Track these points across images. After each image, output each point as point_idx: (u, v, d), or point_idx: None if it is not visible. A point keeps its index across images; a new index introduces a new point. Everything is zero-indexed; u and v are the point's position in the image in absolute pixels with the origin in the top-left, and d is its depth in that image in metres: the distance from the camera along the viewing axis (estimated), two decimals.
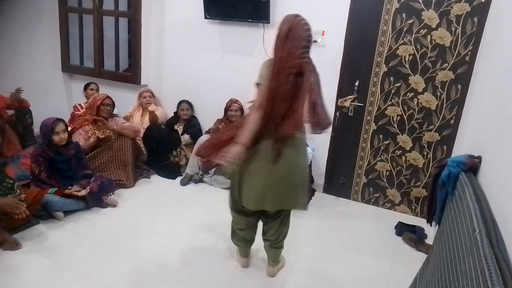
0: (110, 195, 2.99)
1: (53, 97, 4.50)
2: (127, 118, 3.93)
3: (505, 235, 1.15)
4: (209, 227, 2.80)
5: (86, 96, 3.91)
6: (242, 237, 2.25)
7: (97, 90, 3.94)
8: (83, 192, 2.75)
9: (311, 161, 3.33)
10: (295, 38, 1.80)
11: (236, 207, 2.13)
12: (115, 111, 3.76)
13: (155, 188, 3.40)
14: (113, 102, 3.55)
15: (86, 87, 3.96)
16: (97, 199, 2.89)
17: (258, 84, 1.87)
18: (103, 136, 3.33)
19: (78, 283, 2.07)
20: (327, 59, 3.29)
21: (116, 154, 3.35)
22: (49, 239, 2.46)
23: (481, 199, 1.42)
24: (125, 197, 3.14)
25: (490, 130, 1.81)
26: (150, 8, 3.93)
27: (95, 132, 3.38)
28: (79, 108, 3.64)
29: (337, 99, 3.31)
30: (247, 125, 1.85)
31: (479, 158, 1.80)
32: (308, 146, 3.33)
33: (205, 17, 3.62)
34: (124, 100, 4.12)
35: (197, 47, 3.86)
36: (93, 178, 2.92)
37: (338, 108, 3.32)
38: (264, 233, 2.22)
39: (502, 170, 1.39)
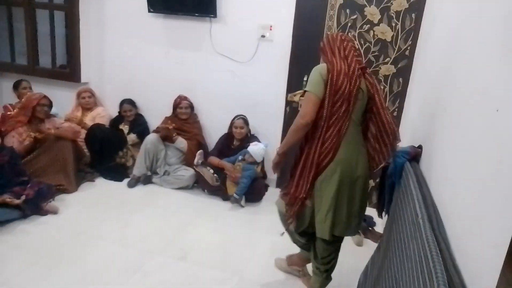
0: (50, 201, 2.77)
1: None
2: (69, 120, 3.66)
3: (444, 218, 1.20)
4: (159, 229, 2.69)
5: (18, 95, 3.59)
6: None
7: (30, 88, 3.64)
8: (16, 201, 2.52)
9: (263, 157, 3.33)
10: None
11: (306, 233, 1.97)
12: (54, 111, 3.50)
13: (100, 192, 3.21)
14: (51, 102, 3.30)
15: (16, 85, 3.63)
16: (35, 207, 2.66)
17: (306, 91, 1.75)
18: (40, 136, 3.06)
19: None
20: (275, 54, 3.31)
21: (55, 157, 3.10)
22: None
23: (423, 186, 1.47)
24: (67, 203, 2.92)
25: (429, 120, 1.89)
26: (89, 1, 3.70)
27: (30, 134, 3.11)
28: (10, 109, 3.32)
29: (286, 94, 3.33)
30: (288, 134, 1.79)
31: (421, 147, 1.89)
32: (260, 142, 3.33)
33: (149, 11, 3.47)
34: (63, 99, 3.84)
35: (141, 42, 3.71)
36: (29, 185, 2.70)
37: (287, 103, 3.34)
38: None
39: (439, 158, 1.45)
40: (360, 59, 1.78)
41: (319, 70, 1.73)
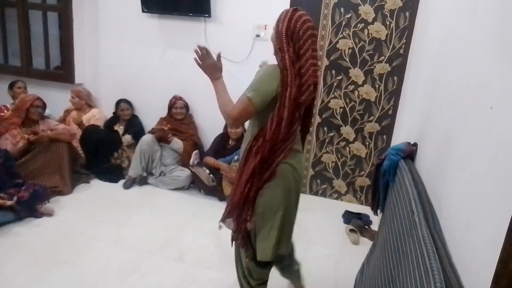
0: (45, 203, 2.75)
1: None
2: (66, 121, 3.63)
3: (440, 216, 1.20)
4: (156, 230, 2.68)
5: (12, 96, 3.57)
6: None
7: (25, 88, 3.61)
8: (9, 203, 2.50)
9: None
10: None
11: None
12: (48, 112, 3.48)
13: (95, 193, 3.19)
14: (44, 104, 3.27)
15: (11, 85, 3.60)
16: (30, 209, 2.65)
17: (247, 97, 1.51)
18: (34, 138, 3.04)
19: None
20: (271, 53, 3.29)
21: (50, 158, 3.08)
22: None
23: (418, 184, 1.48)
24: (62, 205, 2.90)
25: (424, 118, 1.90)
26: (82, 1, 3.67)
27: (24, 136, 3.08)
28: (4, 110, 3.29)
29: None
30: (220, 102, 1.67)
31: (416, 145, 1.89)
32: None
33: (143, 11, 3.45)
34: (57, 100, 3.81)
35: (136, 42, 3.68)
36: (24, 187, 2.68)
37: None
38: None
39: (435, 155, 1.46)
40: (317, 63, 1.59)
41: (273, 78, 1.53)
